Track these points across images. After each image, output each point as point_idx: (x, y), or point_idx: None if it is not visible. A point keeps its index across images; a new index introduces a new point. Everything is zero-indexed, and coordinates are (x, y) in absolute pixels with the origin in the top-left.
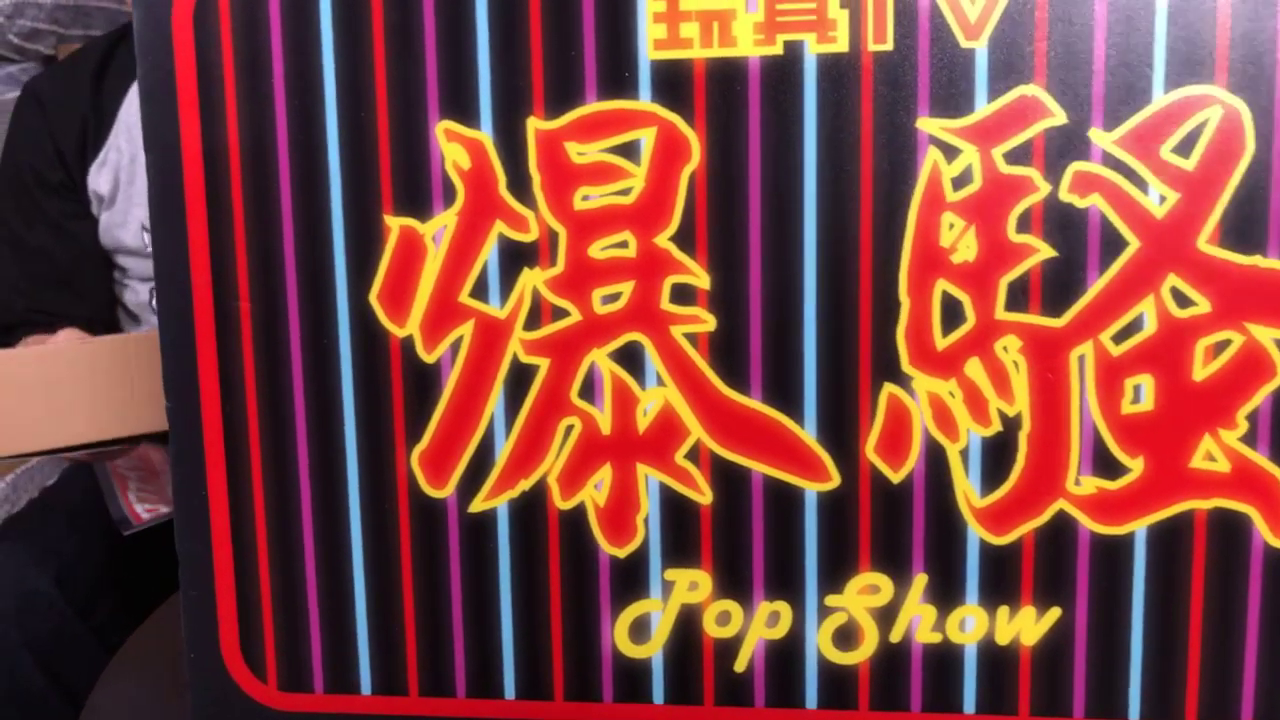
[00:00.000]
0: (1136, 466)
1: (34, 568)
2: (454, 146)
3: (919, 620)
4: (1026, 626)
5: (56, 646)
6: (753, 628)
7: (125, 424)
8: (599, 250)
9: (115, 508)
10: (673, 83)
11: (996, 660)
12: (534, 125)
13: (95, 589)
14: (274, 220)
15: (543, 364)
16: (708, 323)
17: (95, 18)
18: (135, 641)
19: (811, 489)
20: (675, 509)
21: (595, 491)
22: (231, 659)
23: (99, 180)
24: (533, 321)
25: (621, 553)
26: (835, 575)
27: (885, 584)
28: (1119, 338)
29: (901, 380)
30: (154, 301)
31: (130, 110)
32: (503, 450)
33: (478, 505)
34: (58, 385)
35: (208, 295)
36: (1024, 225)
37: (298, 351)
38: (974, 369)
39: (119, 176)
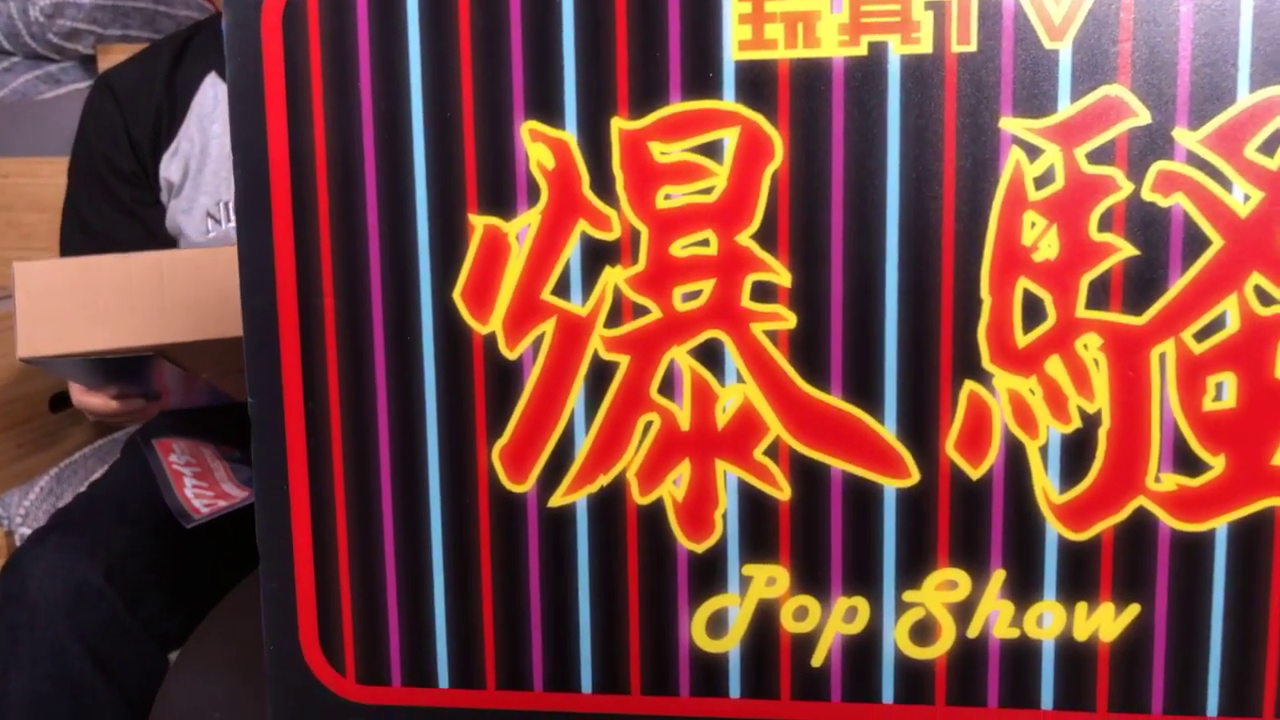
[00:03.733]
0: (1217, 464)
1: (85, 560)
2: (538, 146)
3: (996, 616)
4: (1105, 623)
5: (106, 638)
6: (830, 623)
7: (156, 332)
8: (680, 248)
9: (173, 502)
10: (756, 83)
11: (1074, 656)
12: (618, 125)
13: (144, 582)
14: (359, 220)
15: (623, 361)
16: (788, 320)
17: (133, 17)
18: (198, 637)
19: (891, 485)
20: (754, 505)
21: (674, 487)
22: (310, 652)
23: (170, 169)
24: (613, 319)
25: (699, 548)
26: (913, 571)
27: (963, 580)
28: (1201, 336)
29: (982, 377)
30: None
31: (203, 101)
32: (582, 446)
33: (557, 500)
34: (93, 292)
35: (292, 294)
36: (1106, 224)
37: (381, 348)
38: (1054, 366)
39: (189, 165)
